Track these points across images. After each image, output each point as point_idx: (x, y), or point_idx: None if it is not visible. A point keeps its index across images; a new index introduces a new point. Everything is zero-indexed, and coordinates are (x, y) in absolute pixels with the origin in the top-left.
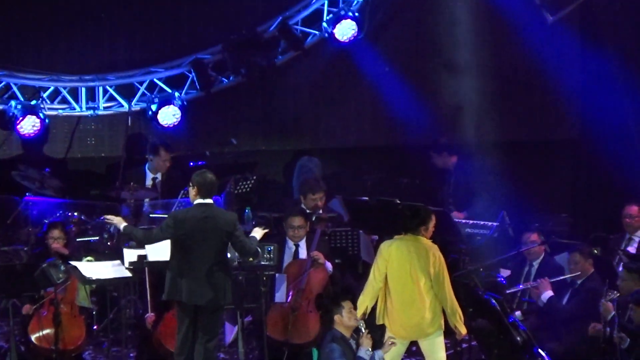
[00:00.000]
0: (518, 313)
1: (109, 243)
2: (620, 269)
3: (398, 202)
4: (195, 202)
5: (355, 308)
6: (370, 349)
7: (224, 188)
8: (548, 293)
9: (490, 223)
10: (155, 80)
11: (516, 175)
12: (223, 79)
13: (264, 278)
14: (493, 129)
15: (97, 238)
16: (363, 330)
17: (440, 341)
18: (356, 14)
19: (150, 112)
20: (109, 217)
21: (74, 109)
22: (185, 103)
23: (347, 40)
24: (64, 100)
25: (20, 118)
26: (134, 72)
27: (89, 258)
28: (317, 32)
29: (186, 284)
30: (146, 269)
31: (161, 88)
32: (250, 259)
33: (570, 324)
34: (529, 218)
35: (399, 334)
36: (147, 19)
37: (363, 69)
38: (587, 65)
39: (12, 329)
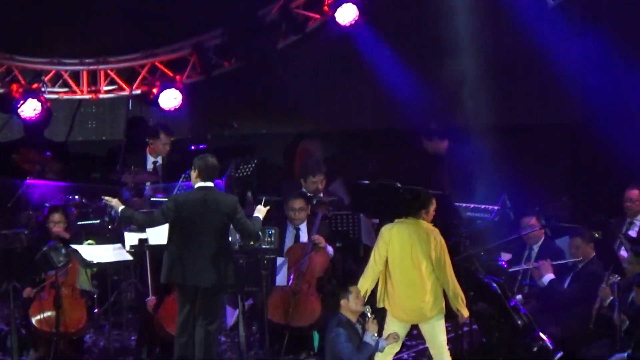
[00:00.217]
0: (519, 296)
1: (109, 226)
2: (622, 252)
3: (399, 185)
4: (196, 185)
5: None
6: (375, 334)
7: (225, 171)
8: (549, 276)
9: (491, 207)
10: (156, 63)
11: (517, 159)
12: (224, 62)
13: (265, 261)
14: (493, 112)
15: (98, 221)
16: (369, 316)
17: (441, 325)
18: None
19: (151, 96)
20: (107, 198)
21: (75, 92)
22: (186, 87)
23: (348, 24)
24: (65, 84)
25: (22, 101)
26: (135, 55)
27: (89, 241)
28: (318, 16)
29: (187, 267)
30: (147, 252)
31: (162, 72)
32: (252, 242)
33: (571, 308)
34: (529, 202)
35: (399, 317)
36: (149, 3)
37: (364, 53)
38: (587, 48)
39: (13, 312)
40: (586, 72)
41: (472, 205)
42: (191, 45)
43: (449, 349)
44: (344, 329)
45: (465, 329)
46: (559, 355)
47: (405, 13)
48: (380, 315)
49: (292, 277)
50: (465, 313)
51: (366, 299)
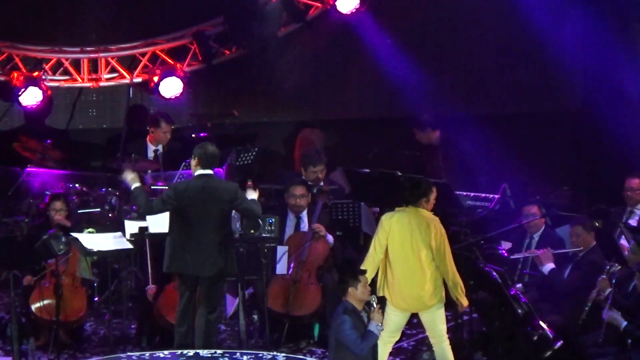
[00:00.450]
0: (519, 285)
1: (110, 215)
2: (622, 241)
3: (399, 174)
4: (196, 173)
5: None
6: (380, 324)
7: (226, 160)
8: (550, 265)
9: (491, 195)
10: (157, 52)
11: (517, 147)
12: (225, 50)
13: (265, 250)
14: (494, 101)
15: (99, 210)
16: (375, 305)
17: (441, 313)
18: None
19: (152, 84)
20: (127, 172)
21: (76, 80)
22: (187, 75)
23: (349, 13)
24: (66, 72)
25: (22, 89)
26: (136, 43)
27: (90, 230)
28: (319, 4)
29: (189, 256)
30: (147, 240)
31: (163, 60)
32: (252, 230)
33: (571, 297)
34: (530, 191)
35: (399, 306)
36: None
37: (365, 41)
38: (588, 36)
39: (13, 300)
40: (587, 61)
41: (472, 194)
42: (192, 33)
43: (448, 337)
44: (349, 316)
45: (465, 317)
46: (559, 344)
47: (406, 1)
48: (380, 303)
49: (292, 265)
50: (465, 302)
51: None
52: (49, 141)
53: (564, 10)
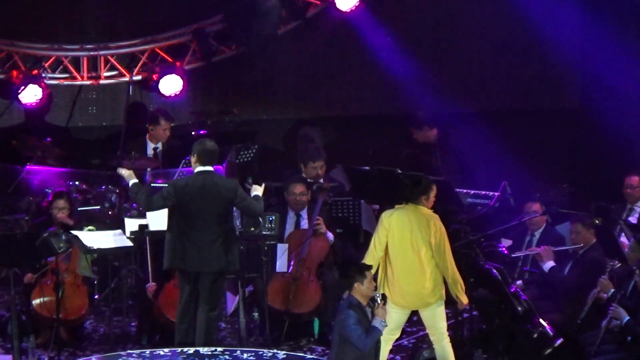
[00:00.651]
0: (519, 282)
1: (110, 212)
2: (622, 238)
3: (399, 171)
4: (196, 169)
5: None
6: (384, 321)
7: (225, 157)
8: (550, 263)
9: (491, 193)
10: (156, 49)
11: (517, 145)
12: (224, 48)
13: (266, 248)
14: (493, 98)
15: (98, 207)
16: (379, 301)
17: (441, 311)
18: None
19: (151, 82)
20: (122, 170)
21: (76, 78)
22: (186, 72)
23: (349, 10)
24: (66, 70)
25: (22, 87)
26: (136, 41)
27: (90, 227)
28: (318, 2)
29: (189, 252)
30: (147, 238)
31: (162, 57)
32: (253, 228)
33: (571, 294)
34: (530, 188)
35: (399, 303)
36: None
37: (364, 39)
38: (587, 34)
39: (13, 298)
40: (586, 58)
41: (472, 192)
42: (191, 31)
43: (449, 335)
44: (354, 311)
45: (466, 315)
46: (559, 341)
47: None
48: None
49: (292, 263)
50: (464, 300)
51: None
52: (48, 139)
53: (562, 8)
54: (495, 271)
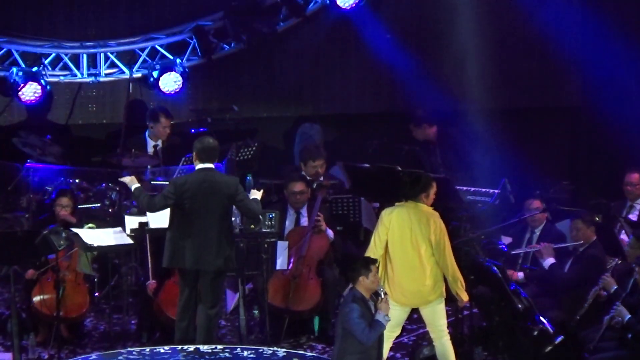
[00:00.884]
0: (521, 274)
1: (110, 210)
2: (622, 236)
3: (399, 169)
4: (197, 167)
5: None
6: (388, 315)
7: (225, 155)
8: (550, 260)
9: (491, 190)
10: (156, 46)
11: (517, 142)
12: (224, 45)
13: (265, 245)
14: (494, 96)
15: (99, 205)
16: (382, 296)
17: (441, 308)
18: None
19: (151, 79)
20: (124, 179)
21: (75, 75)
22: (186, 70)
23: (349, 7)
24: (66, 67)
25: (22, 85)
26: (135, 38)
27: (90, 225)
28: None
29: (189, 250)
30: (147, 236)
31: (162, 55)
32: (252, 225)
33: (571, 291)
34: (530, 185)
35: (399, 301)
36: None
37: (364, 36)
38: (587, 31)
39: (14, 296)
40: (586, 55)
41: (472, 189)
42: (191, 28)
43: (449, 332)
44: (358, 305)
45: (466, 312)
46: (559, 339)
47: None
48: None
49: (292, 260)
50: (465, 297)
51: None
52: (48, 136)
53: (562, 6)
54: (495, 268)
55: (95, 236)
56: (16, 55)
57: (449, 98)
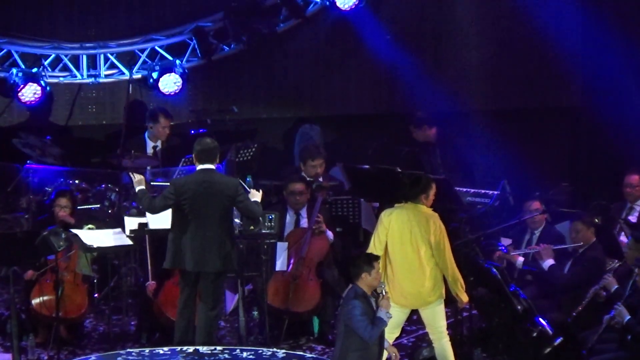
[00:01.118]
0: (520, 260)
1: (110, 211)
2: (622, 237)
3: (399, 170)
4: (197, 168)
5: None
6: (389, 312)
7: (225, 156)
8: (549, 261)
9: (490, 192)
10: (156, 47)
11: (516, 143)
12: (224, 46)
13: (265, 246)
14: (493, 97)
15: (98, 206)
16: (384, 293)
17: (441, 310)
18: None
19: (151, 80)
20: (134, 175)
21: (75, 76)
22: (186, 71)
23: (349, 8)
24: (65, 68)
25: (22, 86)
26: (135, 39)
27: (90, 226)
28: (318, 0)
29: (190, 252)
30: (147, 237)
31: (162, 56)
32: (252, 227)
33: (571, 293)
34: (529, 187)
35: (399, 302)
36: None
37: (364, 37)
38: (587, 31)
39: (13, 297)
40: (586, 56)
41: (472, 190)
42: (191, 29)
43: (448, 334)
44: (360, 302)
45: (465, 314)
46: (559, 340)
47: None
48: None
49: (292, 262)
50: (465, 298)
51: None
52: (48, 137)
53: (563, 6)
54: (494, 270)
55: (95, 237)
56: (16, 56)
57: (448, 99)
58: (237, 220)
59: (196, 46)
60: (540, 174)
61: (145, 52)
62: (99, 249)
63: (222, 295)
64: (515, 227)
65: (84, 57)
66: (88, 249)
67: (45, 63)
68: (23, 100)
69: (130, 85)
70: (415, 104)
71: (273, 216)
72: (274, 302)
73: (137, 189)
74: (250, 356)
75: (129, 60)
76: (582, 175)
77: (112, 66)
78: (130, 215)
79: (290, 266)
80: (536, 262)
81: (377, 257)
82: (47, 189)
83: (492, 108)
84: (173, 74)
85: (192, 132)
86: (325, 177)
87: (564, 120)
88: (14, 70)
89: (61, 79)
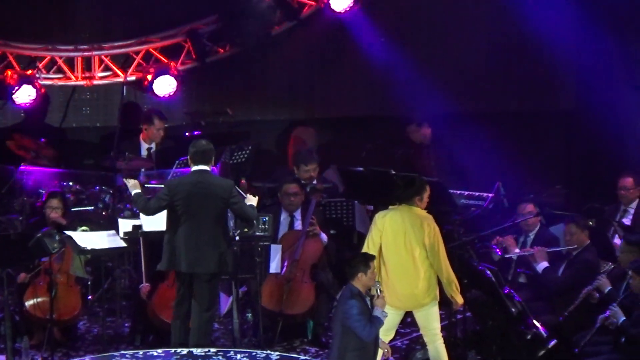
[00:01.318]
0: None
1: (103, 213)
2: (616, 240)
3: (393, 172)
4: (192, 169)
5: None
6: (385, 311)
7: (219, 158)
8: (543, 264)
9: (485, 194)
10: (150, 50)
11: (511, 146)
12: (218, 49)
13: (259, 249)
14: (487, 99)
15: (92, 208)
16: (379, 292)
17: (435, 312)
18: None
19: (145, 82)
20: (128, 180)
21: (70, 78)
22: (180, 73)
23: (343, 11)
24: (60, 70)
25: (16, 88)
26: (130, 42)
27: (83, 228)
28: (313, 2)
29: (184, 253)
30: (141, 239)
31: (157, 58)
32: (247, 229)
33: (565, 295)
34: (524, 189)
35: (393, 304)
36: None
37: (359, 39)
38: (581, 35)
39: (7, 299)
40: (580, 59)
41: (466, 193)
42: (186, 31)
43: (442, 336)
44: (357, 301)
45: (459, 316)
46: (553, 343)
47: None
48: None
49: (286, 264)
50: (460, 300)
51: None
52: (43, 139)
53: (556, 9)
54: (488, 272)
55: (89, 239)
56: (10, 58)
57: (442, 101)
58: (231, 223)
59: (191, 48)
60: (534, 176)
61: (140, 54)
62: (93, 251)
63: (216, 297)
64: (509, 230)
65: (79, 59)
66: (82, 251)
67: (40, 65)
68: (17, 103)
69: (125, 87)
70: (409, 106)
71: (267, 218)
72: (268, 304)
73: (132, 192)
74: (244, 358)
75: (124, 62)
76: (576, 178)
77: (107, 68)
78: (124, 217)
79: (284, 268)
80: (530, 265)
81: (372, 257)
82: (41, 190)
83: (486, 110)
84: (167, 76)
85: (186, 134)
86: (319, 180)
87: (558, 122)
88: (9, 72)
89: (56, 81)
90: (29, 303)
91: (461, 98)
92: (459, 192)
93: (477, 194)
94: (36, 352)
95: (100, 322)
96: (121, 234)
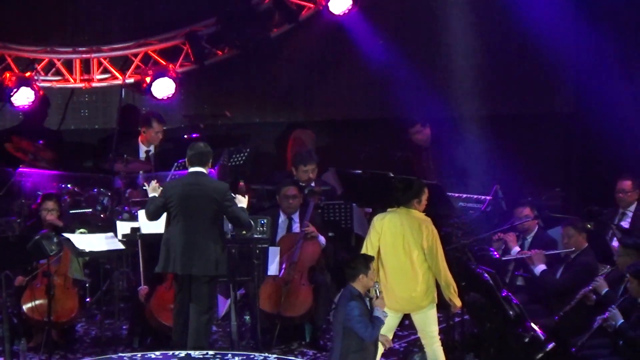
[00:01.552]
0: (517, 249)
1: (102, 215)
2: (614, 243)
3: (391, 175)
4: (188, 170)
5: None
6: (385, 311)
7: (218, 160)
8: (541, 267)
9: (483, 197)
10: (149, 52)
11: (509, 149)
12: (217, 51)
13: (257, 251)
14: (485, 102)
15: (90, 210)
16: (378, 293)
17: (433, 314)
18: None
19: (144, 85)
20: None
21: (68, 81)
22: (179, 75)
23: (342, 14)
24: (58, 72)
25: (15, 90)
26: (129, 44)
27: (82, 230)
28: (311, 5)
29: (179, 255)
30: (139, 241)
31: (155, 60)
32: (244, 231)
33: (562, 298)
34: (522, 192)
35: (391, 306)
36: None
37: (357, 42)
38: (580, 38)
39: (5, 301)
40: (579, 62)
41: (464, 195)
42: (184, 34)
43: (440, 339)
44: (357, 302)
45: (457, 319)
46: (551, 345)
47: (398, 2)
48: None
49: (284, 266)
50: (458, 303)
51: None
52: (41, 142)
53: (555, 12)
54: (486, 275)
55: (87, 241)
56: (9, 60)
57: (441, 104)
58: (228, 225)
59: (189, 51)
60: (532, 179)
61: (139, 57)
62: (91, 253)
63: (214, 300)
64: (507, 233)
65: (77, 61)
66: (80, 253)
67: (39, 67)
68: (16, 105)
69: (123, 89)
70: (408, 108)
71: (265, 221)
72: (266, 306)
73: (150, 195)
74: None
75: (122, 64)
76: (574, 181)
77: (105, 70)
78: (122, 219)
79: (282, 271)
80: (528, 268)
81: (372, 258)
82: (39, 193)
83: (484, 113)
84: (166, 78)
85: (185, 136)
86: (317, 182)
87: (557, 125)
88: (7, 74)
89: (54, 83)
90: (26, 305)
91: (460, 101)
92: (457, 195)
93: (475, 196)
94: (34, 355)
95: (98, 324)
96: (119, 237)
